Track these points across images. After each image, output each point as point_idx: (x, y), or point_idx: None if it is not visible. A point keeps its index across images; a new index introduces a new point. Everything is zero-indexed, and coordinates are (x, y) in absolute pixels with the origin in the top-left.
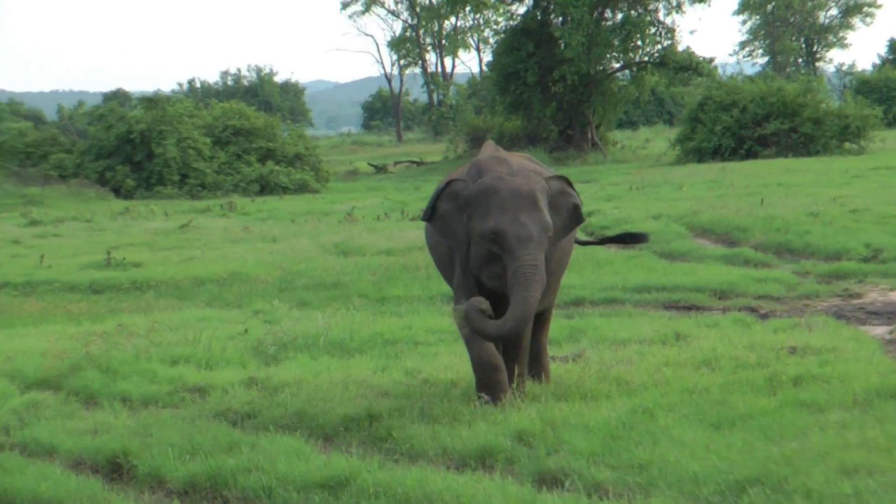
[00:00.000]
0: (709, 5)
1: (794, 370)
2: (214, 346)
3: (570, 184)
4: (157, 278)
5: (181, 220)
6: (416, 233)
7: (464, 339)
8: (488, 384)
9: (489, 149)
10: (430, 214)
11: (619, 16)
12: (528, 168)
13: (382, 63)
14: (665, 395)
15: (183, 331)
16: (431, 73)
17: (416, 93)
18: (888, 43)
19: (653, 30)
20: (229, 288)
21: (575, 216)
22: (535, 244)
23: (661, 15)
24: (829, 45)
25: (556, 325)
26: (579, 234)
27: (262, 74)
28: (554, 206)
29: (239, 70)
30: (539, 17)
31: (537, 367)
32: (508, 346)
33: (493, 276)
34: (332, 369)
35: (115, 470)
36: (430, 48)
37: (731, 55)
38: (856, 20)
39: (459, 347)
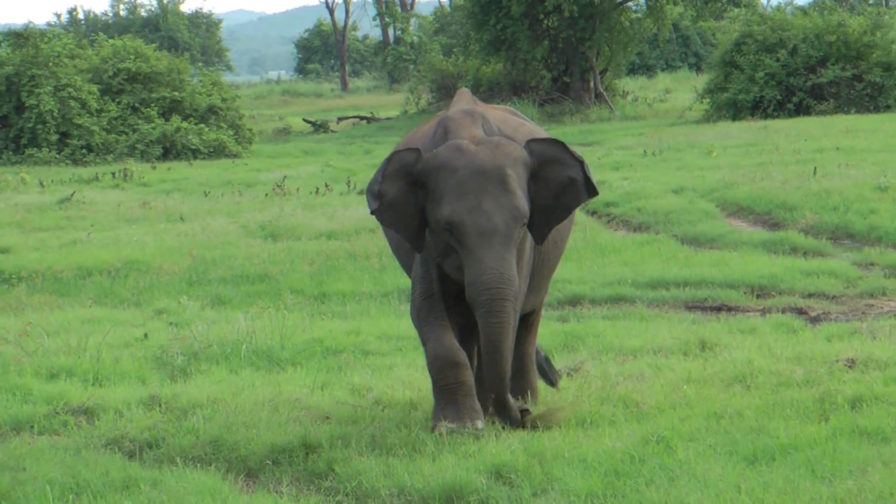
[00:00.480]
0: None
1: (853, 389)
2: (105, 355)
3: (567, 149)
4: (29, 268)
5: (61, 193)
6: (367, 210)
7: (418, 332)
8: (446, 386)
9: (463, 100)
10: (377, 202)
11: None
12: (510, 127)
13: None
14: (685, 421)
15: (64, 336)
16: (387, 1)
17: (367, 27)
18: None
19: None
20: (124, 281)
21: (573, 193)
22: (500, 240)
23: None
24: None
25: (547, 329)
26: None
27: (165, 2)
28: (542, 180)
29: None
30: None
31: (522, 383)
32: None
33: (459, 268)
34: (258, 386)
35: None
36: None
37: None
38: None
39: (421, 359)
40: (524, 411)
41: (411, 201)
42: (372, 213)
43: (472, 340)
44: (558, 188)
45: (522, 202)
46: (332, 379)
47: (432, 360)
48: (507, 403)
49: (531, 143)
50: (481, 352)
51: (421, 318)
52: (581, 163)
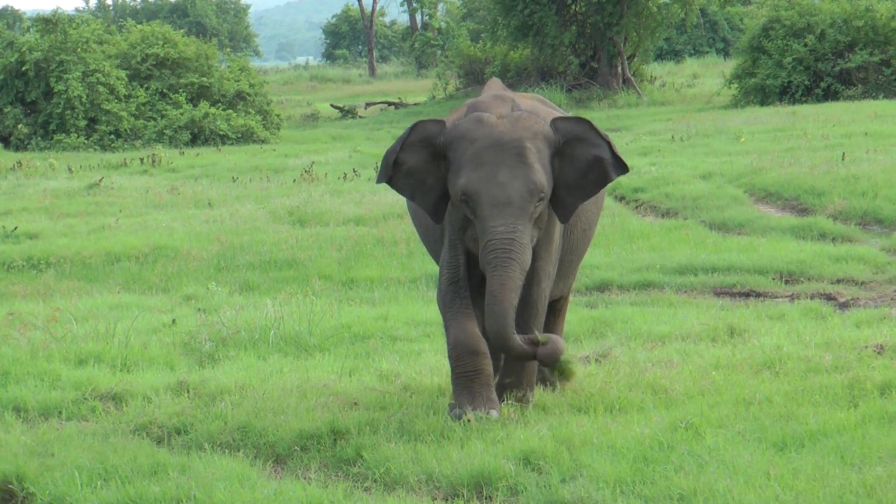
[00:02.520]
0: None
1: (882, 375)
2: (133, 341)
3: (594, 128)
4: (58, 254)
5: (89, 179)
6: (395, 196)
7: (442, 318)
8: (464, 373)
9: (493, 88)
10: (391, 172)
11: None
12: (535, 109)
13: None
14: (714, 407)
15: (93, 322)
16: None
17: (394, 13)
18: None
19: None
20: (152, 266)
21: (600, 172)
22: (514, 211)
23: None
24: None
25: (575, 315)
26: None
27: None
28: (567, 157)
29: None
30: None
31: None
32: (486, 308)
33: (475, 239)
34: (286, 372)
35: (6, 499)
36: None
37: None
38: None
39: None
40: (531, 342)
41: (432, 172)
42: (378, 182)
43: None
44: (584, 166)
45: (540, 176)
46: (360, 365)
47: (453, 346)
48: (512, 346)
49: (557, 121)
50: (484, 305)
51: (446, 304)
52: (608, 142)
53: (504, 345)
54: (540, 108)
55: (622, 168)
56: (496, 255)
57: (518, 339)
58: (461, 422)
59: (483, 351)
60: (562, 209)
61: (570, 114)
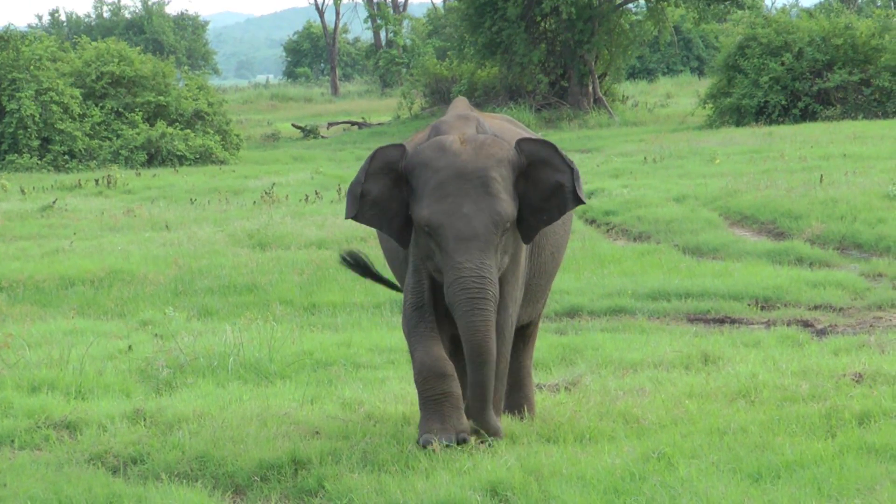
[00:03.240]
0: None
1: (860, 405)
2: (88, 367)
3: (559, 152)
4: (10, 277)
5: (43, 200)
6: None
7: (407, 343)
8: (431, 397)
9: (459, 108)
10: (357, 206)
11: None
12: (507, 135)
13: None
14: (687, 437)
15: (46, 347)
16: (378, 3)
17: (358, 29)
18: None
19: None
20: (107, 291)
21: (560, 199)
22: (480, 245)
23: None
24: None
25: (545, 342)
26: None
27: (150, 4)
28: (531, 180)
29: None
30: None
31: (518, 398)
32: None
33: (440, 270)
34: (245, 400)
35: None
36: None
37: None
38: None
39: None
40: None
41: (396, 197)
42: (347, 217)
43: (461, 352)
44: (546, 191)
45: (505, 206)
46: (322, 393)
47: (419, 370)
48: (486, 413)
49: (522, 143)
50: (465, 355)
51: (410, 328)
52: (571, 169)
53: (483, 404)
54: (507, 128)
55: (578, 201)
56: (468, 297)
57: (491, 412)
58: (426, 451)
59: (450, 373)
60: (525, 230)
61: (537, 135)
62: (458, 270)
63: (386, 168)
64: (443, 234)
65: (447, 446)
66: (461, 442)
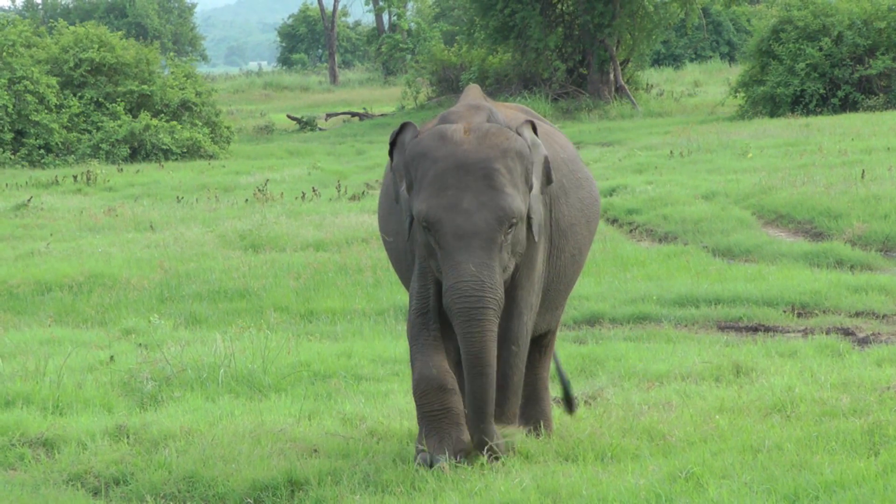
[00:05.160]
0: None
1: None
2: (66, 380)
3: (534, 127)
4: None
5: (16, 199)
6: (359, 218)
7: (409, 351)
8: (430, 412)
9: (471, 96)
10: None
11: None
12: (517, 122)
13: None
14: (718, 456)
15: (21, 358)
16: None
17: (358, 12)
18: None
19: None
20: (87, 297)
21: (545, 174)
22: (481, 244)
23: None
24: None
25: (563, 352)
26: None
27: None
28: (535, 169)
29: None
30: None
31: (534, 412)
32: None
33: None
34: (237, 415)
35: None
36: None
37: None
38: None
39: None
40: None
41: (402, 181)
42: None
43: None
44: (540, 172)
45: (511, 200)
46: (321, 407)
47: (417, 382)
48: (487, 427)
49: (520, 128)
50: (463, 367)
51: (413, 336)
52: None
53: (483, 418)
54: (522, 119)
55: (549, 179)
56: (467, 304)
57: (493, 426)
58: (433, 471)
59: (451, 387)
60: (532, 227)
61: (560, 132)
62: (457, 272)
63: (402, 144)
64: (441, 231)
65: (442, 464)
66: (460, 459)
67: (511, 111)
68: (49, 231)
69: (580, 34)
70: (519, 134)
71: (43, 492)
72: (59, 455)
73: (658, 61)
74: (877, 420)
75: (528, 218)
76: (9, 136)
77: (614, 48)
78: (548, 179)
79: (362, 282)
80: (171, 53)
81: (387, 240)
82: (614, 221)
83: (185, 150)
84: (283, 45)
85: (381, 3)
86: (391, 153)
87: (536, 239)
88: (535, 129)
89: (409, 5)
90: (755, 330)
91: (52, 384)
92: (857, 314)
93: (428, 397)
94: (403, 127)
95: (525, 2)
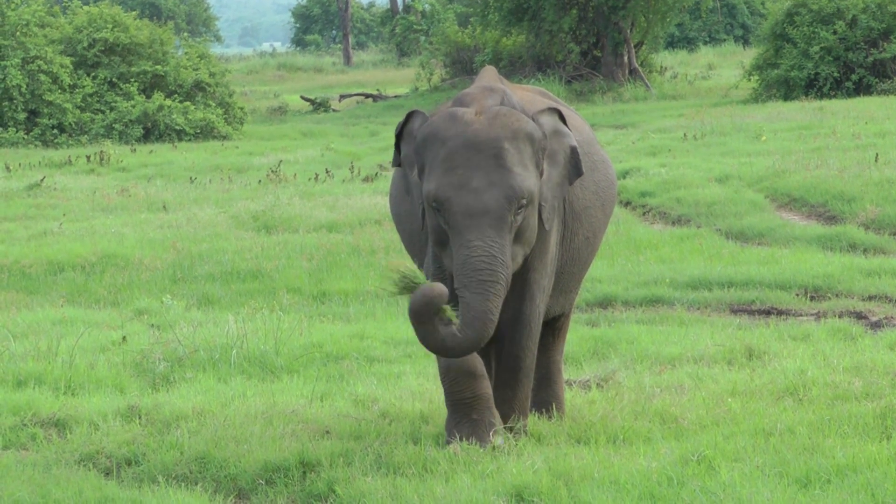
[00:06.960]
0: None
1: None
2: (79, 360)
3: (563, 118)
4: None
5: (29, 178)
6: (372, 199)
7: None
8: (461, 399)
9: (486, 78)
10: (397, 157)
11: None
12: (532, 104)
13: None
14: (730, 439)
15: (33, 338)
16: None
17: None
18: None
19: None
20: (99, 277)
21: (573, 166)
22: (491, 222)
23: None
24: None
25: (575, 334)
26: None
27: None
28: (550, 156)
29: None
30: None
31: (547, 395)
32: (502, 364)
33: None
34: (249, 396)
35: None
36: None
37: None
38: None
39: (433, 366)
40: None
41: (412, 167)
42: (393, 164)
43: (489, 348)
44: (564, 161)
45: (521, 180)
46: (333, 389)
47: (445, 369)
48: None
49: (538, 115)
50: (463, 329)
51: None
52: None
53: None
54: (538, 101)
55: (580, 172)
56: (479, 279)
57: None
58: (448, 451)
59: (480, 372)
60: (542, 214)
61: (577, 114)
62: (467, 249)
63: (410, 132)
64: (451, 210)
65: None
66: (494, 447)
67: (528, 94)
68: (62, 211)
69: (594, 16)
70: (535, 119)
71: (55, 472)
72: (70, 435)
73: (672, 44)
74: (889, 404)
75: (539, 206)
76: (22, 116)
77: (628, 30)
78: (577, 171)
79: (375, 263)
80: (185, 34)
81: (399, 225)
82: (627, 204)
83: (199, 131)
84: (297, 25)
85: None
86: (397, 145)
87: (548, 228)
88: (562, 119)
89: None
90: (768, 313)
91: (64, 364)
92: (870, 298)
93: (459, 384)
94: (409, 116)
95: None
